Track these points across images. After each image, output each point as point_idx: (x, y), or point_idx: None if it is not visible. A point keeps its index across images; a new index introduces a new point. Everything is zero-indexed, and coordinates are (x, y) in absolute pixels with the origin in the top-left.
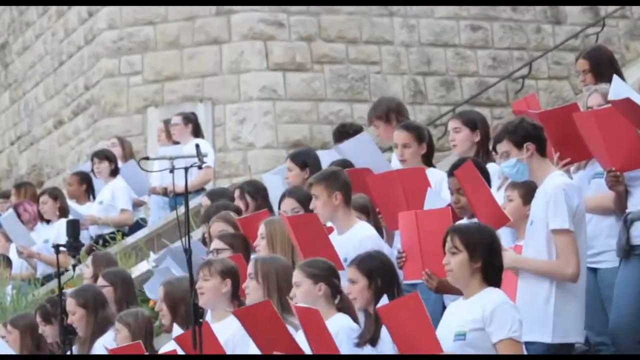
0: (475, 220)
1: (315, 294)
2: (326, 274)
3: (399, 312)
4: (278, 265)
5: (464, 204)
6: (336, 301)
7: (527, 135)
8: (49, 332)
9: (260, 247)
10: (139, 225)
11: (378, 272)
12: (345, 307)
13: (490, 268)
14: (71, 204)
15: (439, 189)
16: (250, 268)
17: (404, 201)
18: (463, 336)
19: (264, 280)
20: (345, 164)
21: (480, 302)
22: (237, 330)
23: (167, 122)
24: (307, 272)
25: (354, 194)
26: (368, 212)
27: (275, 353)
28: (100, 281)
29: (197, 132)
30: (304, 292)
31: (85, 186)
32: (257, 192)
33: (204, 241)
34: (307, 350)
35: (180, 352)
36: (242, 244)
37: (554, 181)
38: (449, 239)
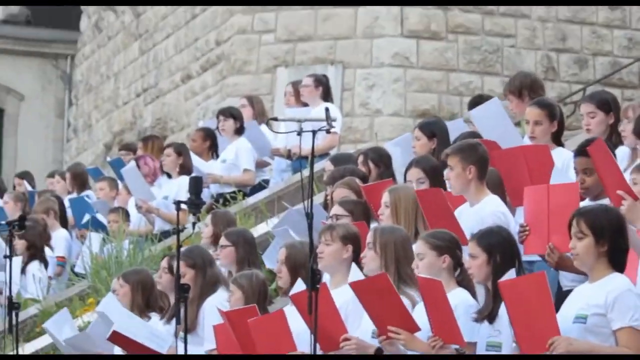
0: (602, 201)
1: (439, 266)
2: (450, 246)
3: (521, 289)
4: (397, 236)
5: (589, 184)
6: (456, 274)
7: None
8: (164, 280)
9: (384, 216)
10: (260, 186)
11: (498, 247)
12: (465, 280)
13: (617, 251)
14: (196, 159)
15: (565, 168)
16: (369, 237)
17: (528, 178)
18: (584, 319)
19: (382, 251)
20: (473, 136)
21: (604, 288)
22: (352, 298)
23: (295, 84)
24: (432, 243)
25: None
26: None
27: (389, 327)
28: (223, 241)
29: (327, 96)
30: (427, 264)
31: (209, 143)
32: (380, 159)
33: (326, 206)
34: (423, 325)
35: (294, 312)
36: (362, 211)
37: None
38: (574, 222)
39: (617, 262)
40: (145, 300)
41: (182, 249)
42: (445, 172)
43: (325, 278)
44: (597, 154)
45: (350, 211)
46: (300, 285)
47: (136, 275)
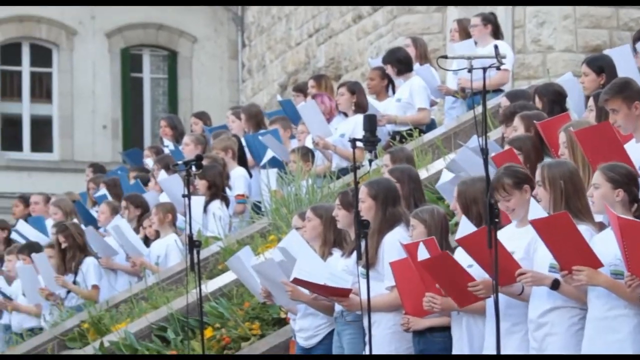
0: None
1: (612, 198)
2: (625, 181)
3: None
4: (564, 170)
5: None
6: (633, 209)
7: None
8: (341, 217)
9: (565, 155)
10: (433, 124)
11: None
12: None
13: None
14: (370, 99)
15: None
16: (537, 174)
17: None
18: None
19: (550, 186)
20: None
21: None
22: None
23: (460, 22)
24: (608, 175)
25: None
26: None
27: (573, 268)
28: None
29: (496, 33)
30: (602, 195)
31: (387, 81)
32: (547, 94)
33: (502, 143)
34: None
35: (462, 254)
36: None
37: None
38: None
39: None
40: (335, 236)
41: (370, 179)
42: (611, 117)
43: None
44: None
45: (518, 148)
46: (465, 227)
47: (328, 211)
